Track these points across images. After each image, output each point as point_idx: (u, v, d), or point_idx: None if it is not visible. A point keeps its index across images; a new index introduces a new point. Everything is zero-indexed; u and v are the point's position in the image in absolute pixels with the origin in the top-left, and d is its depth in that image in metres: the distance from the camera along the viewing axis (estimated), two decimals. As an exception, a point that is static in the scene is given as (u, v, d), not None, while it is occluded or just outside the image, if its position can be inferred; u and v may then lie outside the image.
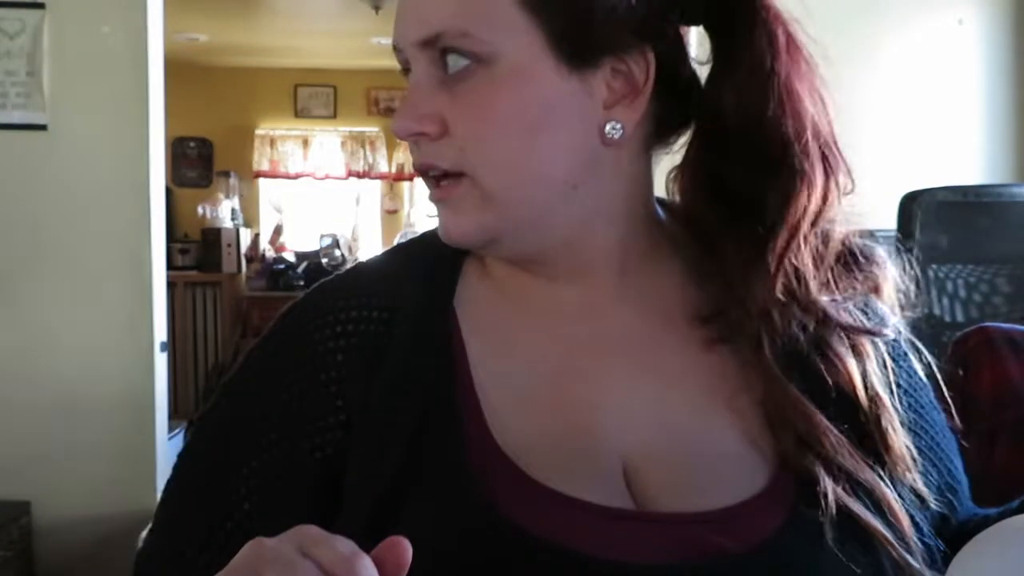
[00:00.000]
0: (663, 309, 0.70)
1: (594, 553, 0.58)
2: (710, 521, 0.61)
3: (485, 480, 0.61)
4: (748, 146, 0.65)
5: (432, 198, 0.67)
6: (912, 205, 1.94)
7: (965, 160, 3.01)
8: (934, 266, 1.96)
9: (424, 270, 0.71)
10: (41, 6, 2.56)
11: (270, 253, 6.22)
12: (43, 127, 2.56)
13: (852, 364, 0.66)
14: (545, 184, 0.65)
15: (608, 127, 0.65)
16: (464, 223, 0.65)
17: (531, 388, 0.66)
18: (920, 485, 0.65)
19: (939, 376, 0.74)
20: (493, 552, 0.59)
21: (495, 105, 0.62)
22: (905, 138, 3.00)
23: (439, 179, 0.65)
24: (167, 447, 2.74)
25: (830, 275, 0.67)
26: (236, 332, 5.70)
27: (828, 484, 0.61)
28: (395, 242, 0.75)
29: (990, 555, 0.49)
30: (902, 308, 0.70)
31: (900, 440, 0.65)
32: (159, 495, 2.56)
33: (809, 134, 0.66)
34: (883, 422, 0.65)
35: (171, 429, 2.91)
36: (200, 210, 6.08)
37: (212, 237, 5.90)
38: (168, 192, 4.65)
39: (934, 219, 1.93)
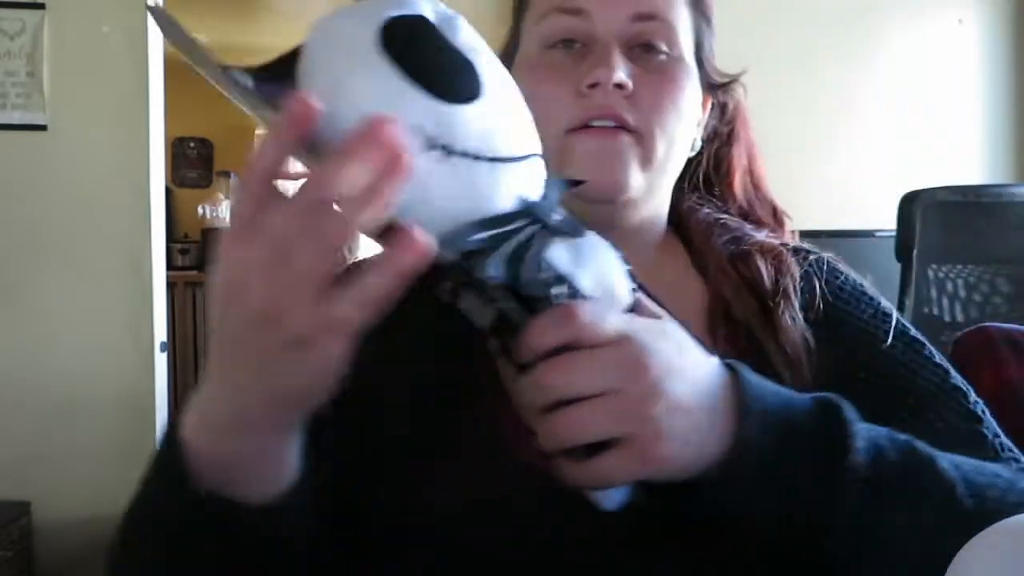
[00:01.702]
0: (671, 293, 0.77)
1: None
2: None
3: (515, 439, 0.64)
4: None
5: (586, 148, 0.73)
6: (912, 205, 1.94)
7: (965, 160, 3.02)
8: (934, 266, 1.96)
9: None
10: (41, 6, 2.56)
11: (270, 253, 6.22)
12: (43, 127, 2.56)
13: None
14: (677, 166, 0.78)
15: (695, 140, 0.81)
16: (623, 175, 0.73)
17: None
18: (807, 377, 0.71)
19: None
20: (522, 501, 0.64)
21: (677, 87, 0.75)
22: (905, 138, 3.00)
23: (605, 129, 0.73)
24: (167, 447, 2.74)
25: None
26: (236, 332, 5.69)
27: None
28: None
29: (990, 556, 0.49)
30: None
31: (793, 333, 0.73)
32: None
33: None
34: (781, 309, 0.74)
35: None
36: (200, 210, 6.08)
37: (212, 237, 5.90)
38: (168, 192, 4.65)
39: (934, 219, 1.93)
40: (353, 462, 0.66)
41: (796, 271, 0.77)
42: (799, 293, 0.76)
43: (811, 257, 0.79)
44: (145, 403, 2.63)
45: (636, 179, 0.73)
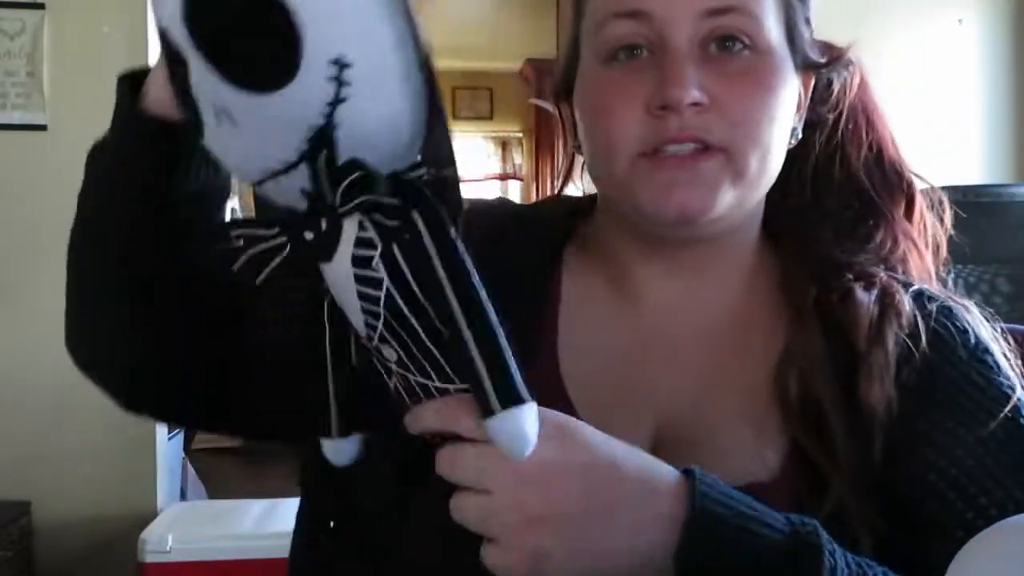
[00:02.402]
0: (738, 305, 0.72)
1: None
2: None
3: None
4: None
5: (663, 179, 0.63)
6: (912, 205, 1.94)
7: (965, 160, 3.01)
8: (934, 266, 1.96)
9: (550, 217, 0.76)
10: (41, 6, 2.56)
11: (270, 253, 6.21)
12: (43, 127, 2.56)
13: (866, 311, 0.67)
14: (774, 172, 0.68)
15: (795, 131, 0.70)
16: (709, 199, 0.63)
17: (601, 352, 0.70)
18: (877, 448, 0.63)
19: None
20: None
21: (767, 89, 0.65)
22: (905, 138, 3.00)
23: (683, 157, 0.63)
24: (167, 447, 2.74)
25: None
26: (236, 332, 5.68)
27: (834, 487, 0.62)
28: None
29: (990, 555, 0.49)
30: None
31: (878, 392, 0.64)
32: (159, 495, 2.57)
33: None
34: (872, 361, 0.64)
35: (171, 429, 2.90)
36: (200, 210, 6.07)
37: (212, 237, 5.88)
38: (168, 192, 4.64)
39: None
40: None
41: (905, 318, 0.66)
42: (898, 345, 0.65)
43: (932, 306, 0.68)
44: (145, 403, 2.62)
45: (724, 200, 0.64)
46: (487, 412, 0.49)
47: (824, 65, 0.72)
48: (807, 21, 0.70)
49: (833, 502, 0.61)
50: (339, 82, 0.46)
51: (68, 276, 0.69)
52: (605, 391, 0.68)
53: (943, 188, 0.79)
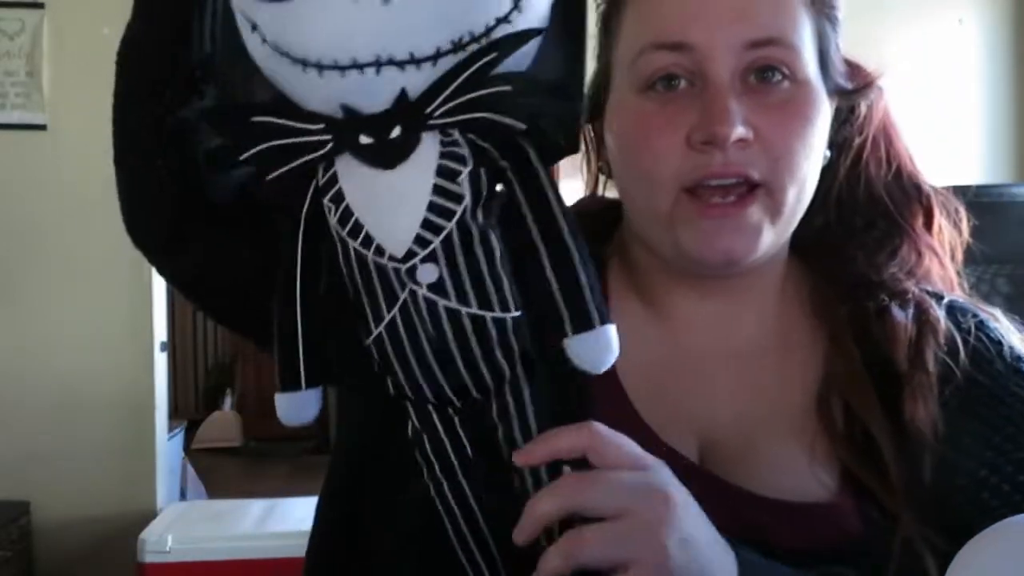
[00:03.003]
0: (771, 324, 0.71)
1: None
2: (766, 508, 0.63)
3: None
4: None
5: (707, 226, 0.63)
6: (912, 205, 1.94)
7: (965, 160, 3.02)
8: (934, 266, 1.96)
9: (594, 222, 0.74)
10: (41, 6, 2.56)
11: (270, 253, 6.20)
12: (43, 127, 2.56)
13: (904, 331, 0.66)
14: (807, 202, 0.67)
15: (824, 154, 0.68)
16: (755, 242, 0.63)
17: (643, 366, 0.69)
18: (926, 468, 0.63)
19: None
20: None
21: (806, 121, 0.64)
22: (905, 138, 3.00)
23: (729, 190, 0.62)
24: (167, 447, 2.74)
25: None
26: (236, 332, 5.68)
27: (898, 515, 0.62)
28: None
29: (990, 555, 0.49)
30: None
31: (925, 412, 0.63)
32: (159, 495, 2.58)
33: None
34: (915, 384, 0.64)
35: (171, 429, 2.91)
36: (200, 210, 6.06)
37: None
38: (168, 192, 4.64)
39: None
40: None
41: (943, 335, 0.66)
42: (938, 363, 0.64)
43: (966, 320, 0.67)
44: (145, 403, 2.63)
45: (766, 241, 0.64)
46: (582, 327, 0.50)
47: (853, 91, 0.71)
48: (837, 48, 0.69)
49: (904, 528, 0.61)
50: (517, 6, 0.48)
51: (114, 144, 0.67)
52: (651, 403, 0.68)
53: (943, 188, 0.78)
